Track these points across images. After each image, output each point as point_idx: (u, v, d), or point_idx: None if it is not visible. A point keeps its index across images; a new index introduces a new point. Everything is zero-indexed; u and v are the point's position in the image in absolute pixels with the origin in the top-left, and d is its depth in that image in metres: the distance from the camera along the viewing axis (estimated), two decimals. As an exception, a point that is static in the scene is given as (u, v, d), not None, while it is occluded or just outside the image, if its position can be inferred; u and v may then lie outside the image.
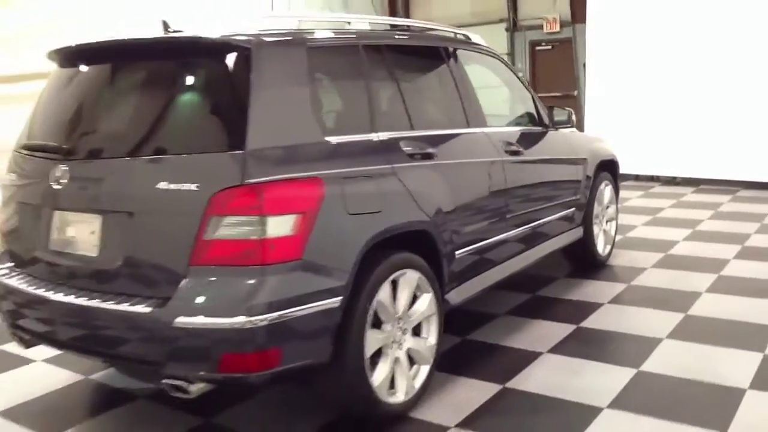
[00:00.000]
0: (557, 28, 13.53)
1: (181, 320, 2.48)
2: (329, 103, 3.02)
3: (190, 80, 2.87)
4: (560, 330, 4.08)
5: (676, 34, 8.91)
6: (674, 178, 9.14)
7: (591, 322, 4.21)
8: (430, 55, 3.75)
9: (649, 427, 2.95)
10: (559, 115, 4.61)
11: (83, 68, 3.08)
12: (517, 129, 4.38)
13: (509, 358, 3.72)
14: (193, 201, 2.51)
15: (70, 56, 3.10)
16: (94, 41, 2.96)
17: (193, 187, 2.51)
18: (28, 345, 3.26)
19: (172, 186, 2.54)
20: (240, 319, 2.45)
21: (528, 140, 4.34)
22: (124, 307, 2.61)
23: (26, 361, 4.00)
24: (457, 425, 3.03)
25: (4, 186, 3.25)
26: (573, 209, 4.85)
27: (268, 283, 2.51)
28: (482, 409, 3.17)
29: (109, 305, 2.64)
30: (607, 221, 5.46)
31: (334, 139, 2.88)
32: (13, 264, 3.16)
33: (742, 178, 8.49)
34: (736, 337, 3.86)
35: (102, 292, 2.72)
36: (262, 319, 2.47)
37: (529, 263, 4.31)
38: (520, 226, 4.13)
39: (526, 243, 4.25)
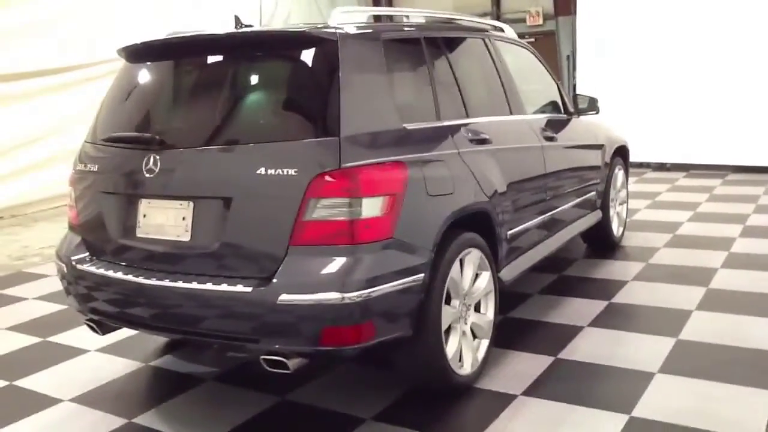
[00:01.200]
0: (540, 21, 13.81)
1: (285, 297, 2.63)
2: (402, 91, 3.17)
3: (280, 72, 3.01)
4: (593, 306, 4.31)
5: (663, 24, 9.22)
6: (664, 164, 9.48)
7: (621, 297, 4.45)
8: (476, 46, 3.94)
9: (703, 388, 3.18)
10: (584, 102, 4.84)
11: (168, 63, 3.20)
12: (548, 116, 4.59)
13: (553, 333, 3.94)
14: (292, 185, 2.66)
15: (154, 51, 3.21)
16: (180, 36, 3.08)
17: (292, 172, 2.66)
18: (104, 331, 3.37)
19: (272, 171, 2.68)
20: (342, 295, 2.61)
21: (558, 127, 4.55)
22: (224, 287, 2.74)
23: (80, 351, 4.10)
24: (523, 393, 3.23)
25: (76, 177, 3.34)
26: (594, 193, 5.08)
27: (365, 261, 2.68)
28: (542, 378, 3.38)
29: (208, 286, 2.77)
30: (619, 204, 5.72)
31: (409, 126, 3.05)
32: (89, 253, 3.26)
33: (729, 162, 8.86)
34: (759, 306, 4.14)
35: (196, 275, 2.85)
36: (361, 294, 2.64)
37: (561, 244, 4.53)
38: (556, 208, 4.35)
39: (560, 224, 4.48)
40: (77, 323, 4.58)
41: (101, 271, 3.10)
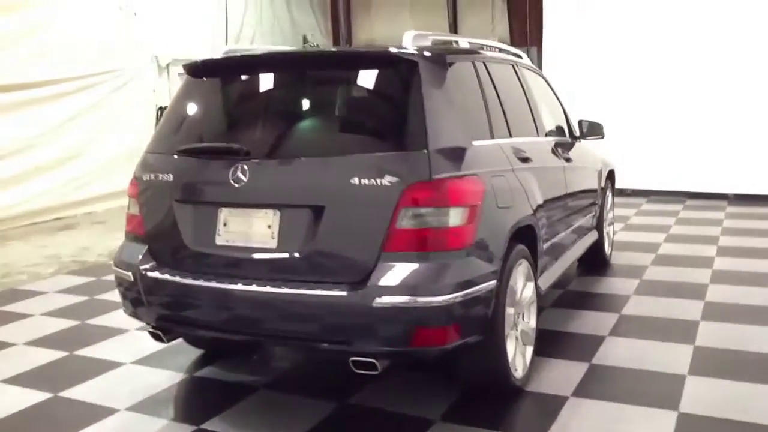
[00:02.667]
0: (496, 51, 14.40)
1: (381, 300, 2.78)
2: (465, 110, 3.39)
3: (364, 88, 3.20)
4: (607, 318, 4.61)
5: (624, 56, 9.80)
6: (624, 189, 10.02)
7: (629, 310, 4.76)
8: (510, 71, 4.21)
9: (732, 386, 3.49)
10: (590, 126, 5.19)
11: (248, 79, 3.33)
12: (559, 139, 4.91)
13: (579, 341, 4.20)
14: (386, 194, 2.83)
15: (230, 68, 3.34)
16: (262, 54, 3.23)
17: (385, 182, 2.83)
18: (169, 339, 3.43)
19: (365, 181, 2.84)
20: (436, 298, 2.79)
21: (569, 150, 4.87)
22: (318, 291, 2.87)
23: (114, 364, 4.11)
24: (573, 395, 3.46)
25: (143, 187, 3.40)
26: (594, 213, 5.42)
27: (453, 267, 2.87)
28: (585, 380, 3.62)
29: (301, 291, 2.90)
30: (608, 225, 6.09)
31: (475, 143, 3.27)
32: (156, 261, 3.32)
33: (686, 189, 9.46)
34: (759, 317, 4.53)
35: (283, 280, 2.97)
36: (450, 298, 2.82)
37: (574, 260, 4.82)
38: (571, 226, 4.65)
39: (573, 242, 4.78)
40: (100, 338, 4.58)
41: (177, 279, 3.17)
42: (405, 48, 3.15)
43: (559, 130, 5.11)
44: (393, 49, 3.13)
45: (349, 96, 3.21)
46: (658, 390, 3.48)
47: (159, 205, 3.32)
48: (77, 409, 3.51)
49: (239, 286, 3.00)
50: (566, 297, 5.11)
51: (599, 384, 3.59)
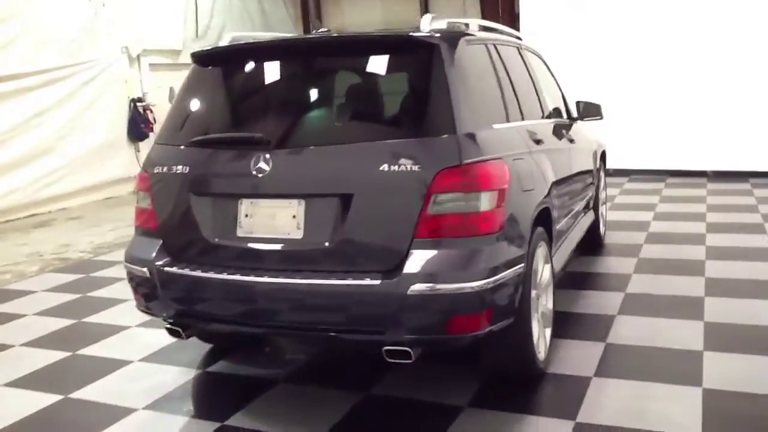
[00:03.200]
0: (469, 37, 14.38)
1: (416, 288, 2.73)
2: (483, 93, 3.34)
3: (387, 73, 3.12)
4: (613, 297, 4.63)
5: (600, 39, 9.87)
6: (606, 169, 10.12)
7: (634, 288, 4.80)
8: (516, 53, 4.18)
9: (752, 362, 3.54)
10: (588, 108, 5.18)
11: (265, 66, 3.23)
12: (560, 120, 4.90)
13: (590, 322, 4.21)
14: (417, 180, 2.78)
15: (251, 53, 3.24)
16: (278, 40, 3.14)
17: (415, 168, 2.77)
18: (188, 335, 3.34)
19: (395, 168, 2.78)
20: (471, 284, 2.76)
21: (570, 131, 4.87)
22: (350, 281, 2.81)
23: (122, 362, 4.00)
24: (596, 375, 3.47)
25: (155, 180, 3.29)
26: (591, 194, 5.44)
27: (486, 251, 2.83)
28: (604, 360, 3.64)
29: (332, 281, 2.83)
30: (601, 204, 6.13)
31: (495, 126, 3.24)
32: (171, 255, 3.22)
33: (666, 167, 9.60)
34: (759, 290, 4.60)
35: (311, 271, 2.90)
36: (486, 283, 2.79)
37: (578, 241, 4.84)
38: (575, 207, 4.65)
39: (577, 222, 4.79)
40: (101, 336, 4.46)
41: (197, 273, 3.08)
42: (423, 31, 3.08)
43: (558, 112, 5.10)
44: (414, 33, 3.06)
45: (371, 81, 3.13)
46: (678, 367, 3.51)
47: (174, 198, 3.22)
48: (93, 411, 3.41)
49: (266, 279, 2.93)
50: (568, 278, 5.13)
51: (619, 363, 3.60)
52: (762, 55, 9.05)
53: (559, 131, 4.48)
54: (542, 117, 4.27)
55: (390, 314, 2.78)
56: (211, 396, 3.56)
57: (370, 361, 3.78)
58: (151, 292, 3.26)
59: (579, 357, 3.70)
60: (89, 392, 3.62)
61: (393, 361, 2.89)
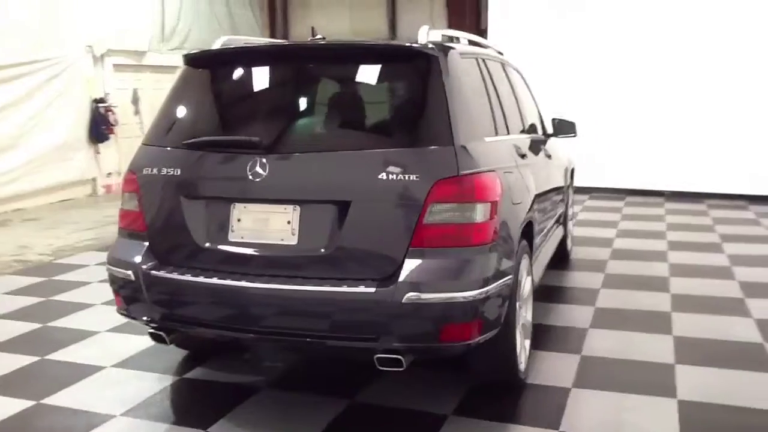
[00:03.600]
0: (434, 50, 14.56)
1: (411, 296, 2.76)
2: (476, 107, 3.40)
3: (386, 82, 3.16)
4: (584, 311, 4.74)
5: (565, 57, 10.10)
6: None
7: (603, 303, 4.92)
8: (501, 69, 4.26)
9: (721, 375, 3.67)
10: (564, 125, 5.31)
11: (262, 70, 3.22)
12: (539, 136, 5.01)
13: (564, 334, 4.30)
14: (414, 190, 2.81)
15: (248, 57, 3.23)
16: (276, 44, 3.14)
17: (414, 177, 2.81)
18: (171, 340, 3.29)
19: (393, 177, 2.81)
20: (464, 294, 2.80)
21: (546, 146, 4.98)
22: (345, 288, 2.82)
23: (95, 368, 3.92)
24: (574, 386, 3.54)
25: (143, 182, 3.24)
26: (563, 209, 5.57)
27: (479, 262, 2.88)
28: (581, 371, 3.72)
29: (326, 288, 2.83)
30: (569, 220, 6.27)
31: (487, 139, 3.30)
32: (158, 259, 3.17)
33: (625, 186, 9.86)
34: (726, 307, 4.77)
35: (304, 277, 2.90)
36: (479, 293, 2.83)
37: (551, 255, 4.94)
38: (550, 221, 4.75)
39: (551, 236, 4.89)
40: (69, 341, 4.36)
41: (187, 277, 3.04)
42: (421, 42, 3.13)
43: (535, 127, 5.21)
44: (412, 44, 3.10)
45: (369, 90, 3.15)
46: (652, 379, 3.61)
47: (163, 200, 3.18)
48: (68, 417, 3.32)
49: (258, 284, 2.91)
50: (539, 291, 5.20)
51: (595, 375, 3.69)
52: (717, 83, 9.39)
53: (538, 147, 4.58)
54: (523, 132, 4.36)
55: (384, 322, 2.80)
56: (192, 403, 3.51)
57: (351, 369, 3.79)
58: (135, 296, 3.20)
59: (556, 368, 3.77)
60: (63, 398, 3.53)
61: (384, 368, 2.91)
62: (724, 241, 6.83)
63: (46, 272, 6.13)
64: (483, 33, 12.10)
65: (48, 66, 9.98)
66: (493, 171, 3.08)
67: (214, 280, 2.99)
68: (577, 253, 6.40)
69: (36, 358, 4.07)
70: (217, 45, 3.49)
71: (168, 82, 12.54)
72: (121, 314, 3.38)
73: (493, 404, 3.35)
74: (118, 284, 3.29)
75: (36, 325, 4.67)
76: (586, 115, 9.80)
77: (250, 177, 2.95)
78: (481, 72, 3.63)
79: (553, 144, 5.38)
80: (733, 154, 9.37)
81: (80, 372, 3.85)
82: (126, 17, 11.20)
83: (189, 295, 3.09)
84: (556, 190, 5.07)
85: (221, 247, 3.05)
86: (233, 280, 2.96)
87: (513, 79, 4.53)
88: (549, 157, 4.76)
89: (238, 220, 3.03)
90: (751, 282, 5.35)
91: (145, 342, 4.25)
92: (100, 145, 10.90)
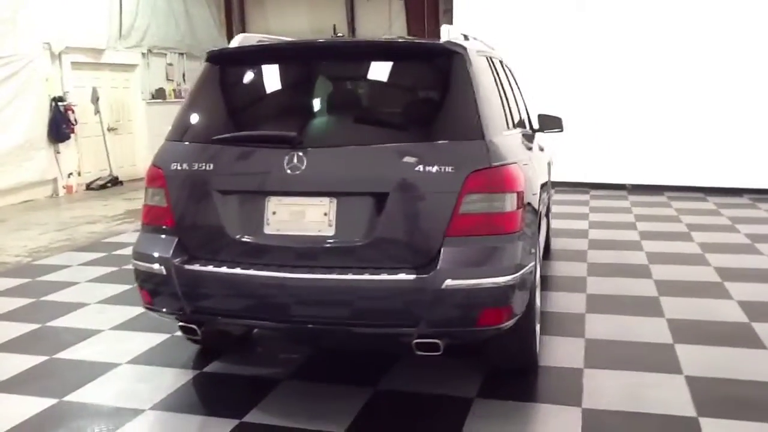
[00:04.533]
0: (394, 49, 14.71)
1: (450, 283, 2.87)
2: (496, 102, 3.52)
3: (416, 78, 3.26)
4: (577, 297, 4.94)
5: (522, 63, 10.37)
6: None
7: (593, 289, 5.13)
8: (501, 65, 4.41)
9: (719, 353, 3.91)
10: (550, 120, 5.50)
11: (294, 67, 3.27)
12: (527, 131, 5.17)
13: (564, 319, 4.49)
14: (450, 181, 2.92)
15: (280, 54, 3.27)
16: (308, 42, 3.21)
17: (449, 169, 2.92)
18: (203, 333, 3.30)
19: (430, 169, 2.92)
20: (499, 279, 2.93)
21: (536, 141, 5.16)
22: (385, 276, 2.91)
23: (109, 365, 3.90)
24: (586, 366, 3.72)
25: (173, 177, 3.25)
26: (548, 201, 5.77)
27: (510, 249, 3.01)
28: (589, 353, 3.90)
29: (367, 276, 2.92)
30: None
31: (504, 133, 3.43)
32: (189, 254, 3.19)
33: (589, 180, 10.21)
34: (712, 291, 5.05)
35: (342, 267, 2.98)
36: (513, 278, 2.97)
37: (543, 245, 5.12)
38: (543, 212, 4.94)
39: (543, 226, 5.07)
40: (74, 340, 4.33)
41: (223, 269, 3.08)
42: (444, 40, 3.24)
43: (524, 122, 5.38)
44: (438, 41, 3.21)
45: (400, 86, 3.25)
46: (657, 358, 3.82)
47: (194, 195, 3.20)
48: (96, 413, 3.32)
49: (299, 275, 2.97)
50: (530, 280, 5.41)
51: (603, 356, 3.87)
52: (674, 79, 9.81)
53: (532, 140, 4.75)
54: (518, 126, 4.52)
55: (423, 308, 2.90)
56: (219, 395, 3.53)
57: (366, 358, 3.88)
58: (165, 290, 3.22)
59: (564, 351, 3.95)
60: (85, 395, 3.51)
61: (421, 353, 3.02)
62: (691, 230, 7.17)
63: (28, 273, 6.01)
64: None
65: (5, 64, 9.70)
66: (516, 163, 3.22)
67: (252, 272, 3.03)
68: (556, 243, 6.63)
69: (45, 358, 4.02)
70: (235, 43, 3.54)
71: (126, 80, 12.40)
72: (148, 309, 3.38)
73: (513, 386, 3.49)
74: (146, 279, 3.30)
75: (34, 326, 4.59)
76: (547, 112, 10.15)
77: (288, 171, 3.01)
78: (491, 69, 3.77)
79: (539, 139, 5.57)
80: (690, 148, 9.79)
81: (95, 369, 3.83)
82: (83, 14, 10.97)
83: (224, 288, 3.13)
84: (546, 182, 5.27)
85: (256, 240, 3.10)
86: (271, 271, 3.01)
87: (509, 75, 4.69)
88: (542, 150, 4.94)
89: (274, 213, 3.09)
90: (725, 267, 5.67)
91: (152, 339, 4.26)
92: (60, 144, 10.65)
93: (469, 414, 3.21)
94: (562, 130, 5.59)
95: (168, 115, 13.97)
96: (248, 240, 3.11)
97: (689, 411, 3.19)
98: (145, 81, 12.73)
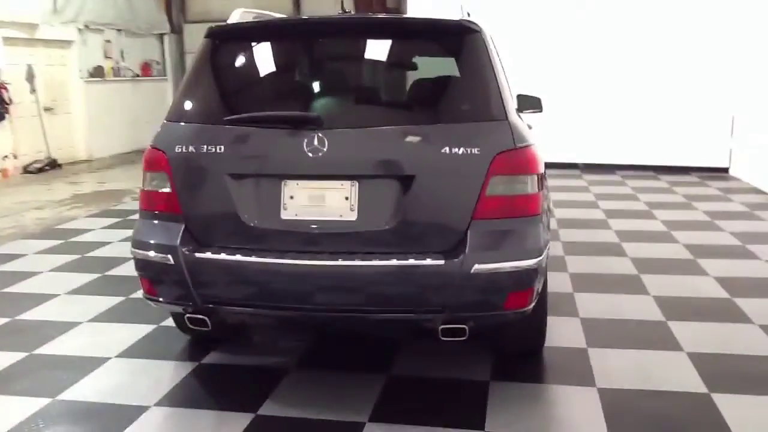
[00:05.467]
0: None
1: (479, 267, 2.82)
2: (507, 83, 3.45)
3: (437, 57, 3.14)
4: (562, 277, 4.99)
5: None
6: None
7: (574, 269, 5.18)
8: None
9: (712, 329, 4.01)
10: (530, 100, 5.49)
11: (308, 43, 3.12)
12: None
13: (554, 299, 4.44)
14: (476, 163, 2.86)
15: (279, 32, 3.11)
16: (320, 18, 3.06)
17: (475, 150, 2.86)
18: (213, 324, 3.13)
19: (456, 150, 2.85)
20: (527, 262, 2.89)
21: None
22: (411, 261, 2.83)
23: (99, 360, 3.69)
24: (589, 346, 3.76)
25: (178, 160, 3.05)
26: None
27: (535, 231, 2.98)
28: (588, 332, 3.94)
29: (393, 262, 2.83)
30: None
31: (518, 114, 3.39)
32: (198, 241, 3.03)
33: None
34: (680, 267, 5.19)
35: (366, 253, 2.89)
36: (538, 261, 2.94)
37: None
38: None
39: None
40: (51, 334, 4.08)
41: (237, 257, 2.93)
42: (458, 18, 3.16)
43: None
44: (454, 19, 3.13)
45: (420, 64, 3.15)
46: (653, 335, 3.90)
47: (204, 179, 3.03)
48: (97, 413, 3.12)
49: (323, 261, 2.86)
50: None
51: (601, 334, 3.91)
52: (623, 59, 10.01)
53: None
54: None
55: (452, 292, 2.85)
56: (226, 387, 3.39)
57: (370, 345, 3.81)
58: (173, 280, 3.04)
59: (564, 331, 3.97)
60: (81, 393, 3.31)
61: (447, 339, 2.96)
62: (652, 209, 7.37)
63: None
64: (393, 12, 12.19)
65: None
66: (534, 144, 3.19)
67: (272, 259, 2.90)
68: (526, 223, 6.68)
69: (24, 354, 3.77)
70: (234, 18, 3.36)
71: (63, 57, 11.78)
72: (150, 301, 3.20)
73: (525, 368, 3.50)
74: (148, 269, 3.11)
75: (4, 320, 4.30)
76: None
77: (309, 153, 2.88)
78: (495, 48, 3.71)
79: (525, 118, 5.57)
80: (640, 128, 10.06)
81: (85, 365, 3.62)
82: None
83: (240, 276, 2.98)
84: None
85: (272, 226, 2.96)
86: (291, 258, 2.89)
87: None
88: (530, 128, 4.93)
89: (291, 198, 2.96)
90: (693, 244, 5.84)
91: (136, 330, 4.07)
92: (-6, 125, 10.05)
93: (490, 396, 3.19)
94: (541, 111, 5.61)
95: (108, 94, 13.38)
96: (264, 226, 2.97)
97: (700, 387, 3.26)
98: (83, 58, 12.11)
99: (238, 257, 2.95)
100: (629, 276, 5.01)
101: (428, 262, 2.84)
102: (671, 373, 3.42)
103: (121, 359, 3.69)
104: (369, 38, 3.21)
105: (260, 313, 3.07)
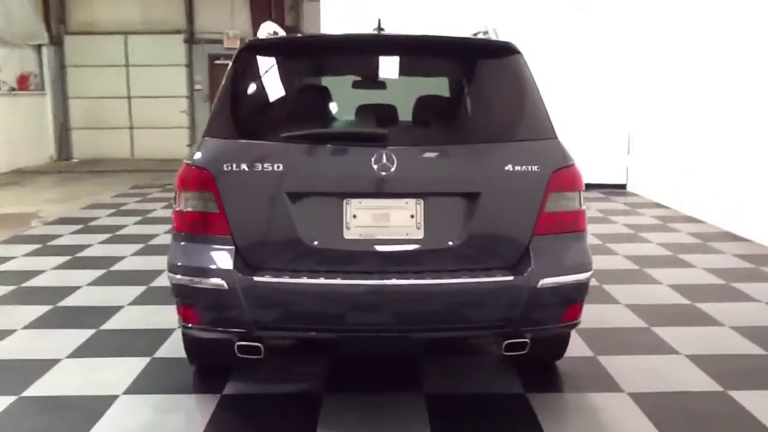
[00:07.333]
0: (237, 45, 14.18)
1: (545, 281, 2.91)
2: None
3: (488, 77, 3.19)
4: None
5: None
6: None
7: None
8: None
9: (692, 332, 4.34)
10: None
11: (360, 60, 3.06)
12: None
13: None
14: (536, 180, 2.96)
15: (339, 47, 3.03)
16: (375, 35, 3.03)
17: (535, 168, 2.95)
18: (266, 351, 2.98)
19: (518, 168, 2.93)
20: (585, 275, 3.02)
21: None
22: (482, 279, 2.86)
23: (108, 399, 3.39)
24: (595, 354, 3.94)
25: (227, 179, 2.89)
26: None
27: (585, 245, 3.13)
28: (589, 342, 4.11)
29: (464, 280, 2.85)
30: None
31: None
32: (252, 265, 2.88)
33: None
34: (632, 277, 5.56)
35: (435, 271, 2.88)
36: (591, 274, 3.08)
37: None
38: None
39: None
40: (37, 372, 3.68)
41: (303, 280, 2.82)
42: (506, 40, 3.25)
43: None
44: (500, 41, 3.21)
45: (474, 84, 3.18)
46: (647, 341, 4.16)
47: (258, 199, 2.89)
48: (141, 454, 2.87)
49: (394, 281, 2.82)
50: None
51: (601, 343, 4.10)
52: (587, 66, 10.30)
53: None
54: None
55: (518, 307, 2.91)
56: (266, 419, 3.22)
57: (385, 365, 3.77)
58: (226, 307, 2.87)
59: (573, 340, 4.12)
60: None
61: (509, 354, 3.01)
62: (607, 215, 7.83)
63: None
64: (291, 30, 12.14)
65: None
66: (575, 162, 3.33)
67: (340, 281, 2.82)
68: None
69: (12, 398, 3.38)
70: (262, 32, 3.26)
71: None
72: (194, 330, 2.99)
73: (553, 379, 3.62)
74: (195, 296, 2.91)
75: (-34, 361, 3.83)
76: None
77: (378, 171, 2.84)
78: None
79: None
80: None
81: (93, 407, 3.28)
82: None
83: (304, 299, 2.87)
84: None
85: (335, 246, 2.88)
86: (362, 279, 2.83)
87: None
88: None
89: (354, 217, 2.90)
90: (632, 255, 6.27)
91: (132, 364, 3.78)
92: None
93: (535, 408, 3.27)
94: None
95: (-15, 106, 12.27)
96: (325, 246, 2.88)
97: (715, 386, 3.52)
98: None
99: (304, 279, 2.84)
100: (593, 286, 5.25)
101: (498, 278, 2.89)
102: (682, 375, 3.67)
103: (133, 396, 3.41)
104: (422, 57, 3.23)
105: (322, 337, 2.97)
